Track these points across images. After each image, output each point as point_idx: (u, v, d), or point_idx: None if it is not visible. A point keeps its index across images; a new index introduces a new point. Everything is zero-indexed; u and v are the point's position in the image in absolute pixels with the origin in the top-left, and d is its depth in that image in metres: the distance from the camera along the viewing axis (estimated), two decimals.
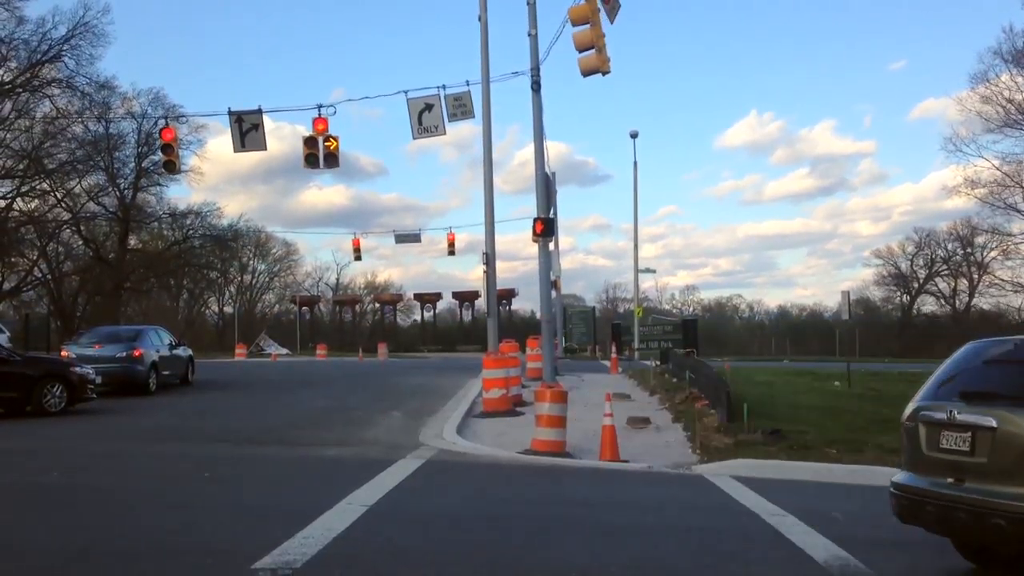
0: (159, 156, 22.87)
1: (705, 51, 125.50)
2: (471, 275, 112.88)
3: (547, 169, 22.97)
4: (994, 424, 5.70)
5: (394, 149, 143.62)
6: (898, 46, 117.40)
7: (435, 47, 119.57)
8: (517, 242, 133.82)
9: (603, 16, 17.80)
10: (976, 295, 66.25)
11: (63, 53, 43.83)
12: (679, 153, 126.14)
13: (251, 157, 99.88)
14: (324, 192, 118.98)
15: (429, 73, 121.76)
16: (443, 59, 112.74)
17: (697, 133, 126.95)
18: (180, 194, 72.44)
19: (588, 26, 17.70)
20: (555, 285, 35.69)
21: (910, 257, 70.03)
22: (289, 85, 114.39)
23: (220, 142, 72.33)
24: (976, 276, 65.55)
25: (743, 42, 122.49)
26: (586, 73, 17.97)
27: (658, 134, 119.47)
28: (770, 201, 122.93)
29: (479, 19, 21.14)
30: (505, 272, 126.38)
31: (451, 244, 45.00)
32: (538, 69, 20.90)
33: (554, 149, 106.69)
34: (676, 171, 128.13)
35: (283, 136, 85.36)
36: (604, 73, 18.01)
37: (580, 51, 17.83)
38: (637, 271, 46.10)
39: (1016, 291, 53.77)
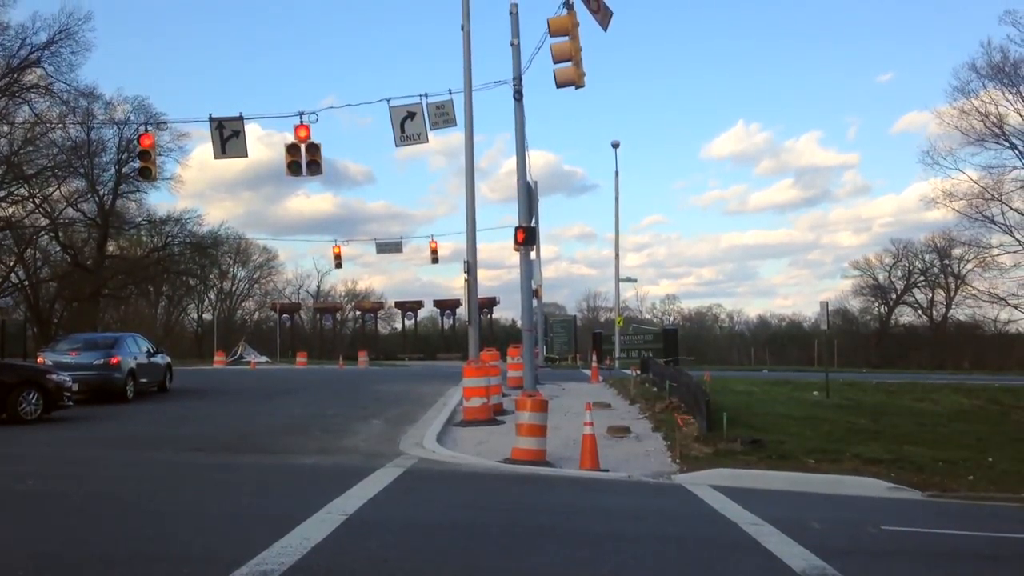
0: (139, 163, 22.81)
1: (694, 61, 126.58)
2: (455, 283, 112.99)
3: (529, 178, 22.99)
4: None
5: (382, 157, 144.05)
6: (886, 58, 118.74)
7: (425, 53, 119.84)
8: (502, 250, 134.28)
9: (583, 28, 17.88)
10: (953, 306, 66.85)
11: (43, 59, 43.57)
12: (667, 162, 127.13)
13: (239, 164, 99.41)
14: (311, 200, 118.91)
15: (420, 78, 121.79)
16: (435, 64, 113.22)
17: (685, 143, 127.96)
18: (166, 200, 72.92)
19: (567, 38, 17.76)
20: (536, 294, 35.76)
21: (888, 268, 70.64)
22: (280, 94, 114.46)
23: (207, 149, 72.01)
24: (953, 287, 66.16)
25: (733, 52, 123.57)
26: (561, 85, 18.05)
27: (647, 143, 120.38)
28: (754, 211, 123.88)
29: (462, 28, 21.16)
30: (489, 280, 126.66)
31: (433, 252, 44.99)
32: (520, 79, 20.93)
33: (542, 159, 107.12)
34: (663, 180, 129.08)
35: (272, 143, 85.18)
36: (578, 86, 18.10)
37: (557, 62, 17.91)
38: (618, 281, 46.20)
39: (992, 302, 54.26)
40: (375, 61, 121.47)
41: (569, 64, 17.79)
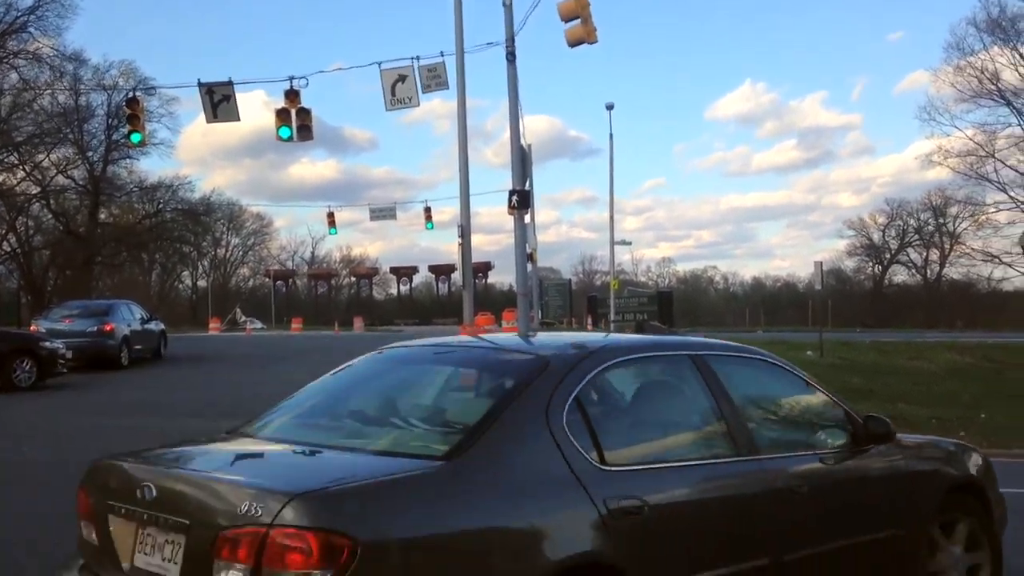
0: (127, 127, 22.58)
1: (703, 20, 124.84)
2: (453, 248, 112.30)
3: (523, 141, 22.83)
4: None
5: (387, 123, 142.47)
6: (898, 15, 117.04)
7: (417, 17, 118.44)
8: (501, 214, 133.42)
9: None
10: (947, 265, 67.05)
11: (29, 24, 42.98)
12: (670, 125, 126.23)
13: (241, 130, 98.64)
14: (315, 166, 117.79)
15: (419, 42, 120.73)
16: (429, 27, 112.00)
17: (690, 105, 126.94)
18: (167, 166, 72.14)
19: None
20: (531, 258, 35.67)
21: (882, 228, 70.69)
22: (283, 60, 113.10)
23: None
24: (947, 246, 66.28)
25: (744, 11, 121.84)
26: (572, 44, 17.79)
27: (652, 107, 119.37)
28: (755, 173, 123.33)
29: None
30: (488, 244, 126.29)
31: (428, 218, 44.87)
32: (513, 39, 20.64)
33: (546, 123, 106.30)
34: (666, 143, 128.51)
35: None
36: (591, 43, 17.85)
37: (565, 21, 17.66)
38: (613, 244, 46.10)
39: (986, 260, 54.35)
40: (374, 27, 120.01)
41: (578, 22, 17.54)
